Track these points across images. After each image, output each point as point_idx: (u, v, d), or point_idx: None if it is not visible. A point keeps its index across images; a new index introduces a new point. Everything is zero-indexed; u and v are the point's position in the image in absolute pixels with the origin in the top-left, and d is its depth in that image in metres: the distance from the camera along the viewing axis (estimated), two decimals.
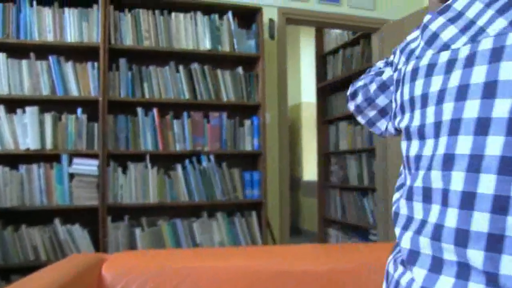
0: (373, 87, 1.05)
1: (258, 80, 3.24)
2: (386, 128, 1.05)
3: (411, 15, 3.62)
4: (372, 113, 1.08)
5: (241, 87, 3.21)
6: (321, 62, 5.31)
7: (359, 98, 1.09)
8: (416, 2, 4.02)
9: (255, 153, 3.24)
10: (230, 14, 3.19)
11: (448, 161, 0.70)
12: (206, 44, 3.12)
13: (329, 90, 5.20)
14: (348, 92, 1.14)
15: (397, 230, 0.79)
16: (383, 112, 1.05)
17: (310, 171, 6.12)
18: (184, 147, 3.06)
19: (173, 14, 3.08)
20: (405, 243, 0.74)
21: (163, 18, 3.06)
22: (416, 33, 0.89)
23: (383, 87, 1.03)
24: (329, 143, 5.17)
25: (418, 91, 0.79)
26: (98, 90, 2.86)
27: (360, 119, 1.14)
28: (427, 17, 0.84)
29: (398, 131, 0.96)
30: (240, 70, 3.24)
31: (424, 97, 0.78)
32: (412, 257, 0.72)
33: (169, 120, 3.06)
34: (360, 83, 1.10)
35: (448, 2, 0.82)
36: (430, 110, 0.76)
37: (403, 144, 0.82)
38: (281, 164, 3.56)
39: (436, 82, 0.76)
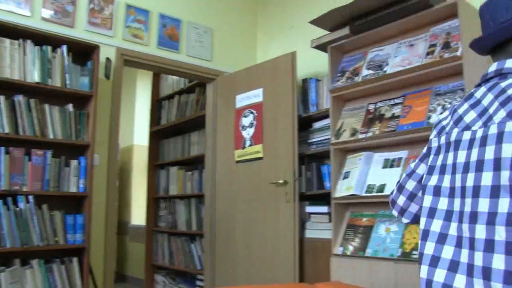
0: (411, 184, 1.28)
1: (89, 119, 3.11)
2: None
3: (244, 70, 3.88)
4: (416, 207, 1.30)
5: (70, 125, 3.04)
6: (156, 106, 5.32)
7: (401, 200, 1.31)
8: (249, 58, 4.33)
9: (80, 195, 3.05)
10: (64, 48, 3.04)
11: (474, 217, 0.95)
12: (34, 76, 2.91)
13: (162, 134, 5.21)
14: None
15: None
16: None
17: (138, 215, 5.95)
18: None
19: None
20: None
21: None
22: (446, 113, 1.20)
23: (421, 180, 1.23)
24: (159, 188, 5.12)
25: (450, 160, 1.08)
26: None
27: (404, 219, 1.34)
28: (457, 104, 1.16)
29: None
30: (70, 107, 3.07)
31: (454, 166, 1.05)
32: None
33: None
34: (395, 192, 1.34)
35: (471, 90, 1.13)
36: (458, 176, 1.03)
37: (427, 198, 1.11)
38: (108, 207, 3.41)
39: (462, 155, 1.04)
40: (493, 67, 1.11)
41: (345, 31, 3.03)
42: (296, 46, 3.59)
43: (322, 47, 3.23)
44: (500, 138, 0.94)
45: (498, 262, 0.89)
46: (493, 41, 1.14)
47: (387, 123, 2.75)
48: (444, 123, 1.16)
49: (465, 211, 0.98)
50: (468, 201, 0.97)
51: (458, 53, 2.45)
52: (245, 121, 3.71)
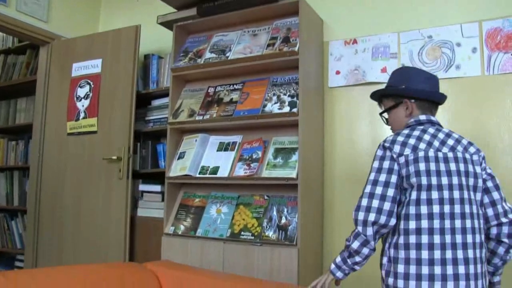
0: (391, 191, 1.60)
1: None
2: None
3: (84, 37, 3.62)
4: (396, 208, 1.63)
5: None
6: None
7: (387, 206, 1.58)
8: (90, 26, 4.06)
9: None
10: None
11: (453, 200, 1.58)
12: None
13: None
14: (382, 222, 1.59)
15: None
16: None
17: None
18: None
19: None
20: None
21: None
22: (401, 138, 1.67)
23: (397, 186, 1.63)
24: None
25: (432, 167, 1.59)
26: None
27: (393, 219, 1.59)
28: (419, 133, 1.68)
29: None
30: None
31: (438, 171, 1.59)
32: None
33: None
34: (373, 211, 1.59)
35: (423, 127, 1.71)
36: (444, 178, 1.58)
37: (424, 193, 1.58)
38: None
39: (442, 166, 1.60)
40: (423, 116, 1.75)
41: (192, 11, 3.00)
42: (141, 20, 3.45)
43: (167, 24, 3.17)
44: (465, 159, 1.63)
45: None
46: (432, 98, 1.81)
47: (225, 107, 2.82)
48: (411, 142, 1.64)
49: (449, 198, 1.57)
50: (453, 191, 1.57)
51: (296, 49, 2.61)
52: (81, 91, 3.48)
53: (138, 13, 3.85)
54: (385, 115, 1.92)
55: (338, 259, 1.68)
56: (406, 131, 1.70)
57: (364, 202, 1.60)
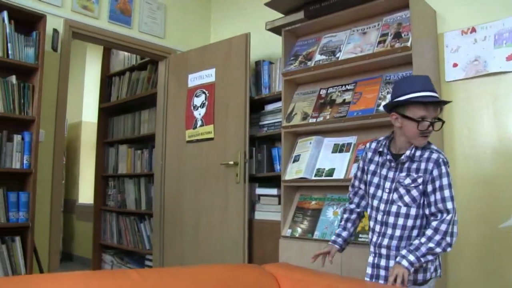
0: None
1: (34, 93, 2.97)
2: None
3: (197, 49, 3.82)
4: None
5: (12, 98, 2.89)
6: (106, 82, 5.16)
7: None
8: (202, 38, 4.27)
9: (24, 172, 2.93)
10: (5, 14, 2.86)
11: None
12: None
13: (112, 111, 5.08)
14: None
15: None
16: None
17: (86, 193, 5.81)
18: None
19: None
20: None
21: None
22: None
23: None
24: (108, 166, 5.01)
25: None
26: None
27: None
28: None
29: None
30: (13, 79, 2.92)
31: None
32: None
33: None
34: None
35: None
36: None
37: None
38: (54, 185, 3.30)
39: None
40: None
41: (300, 15, 3.03)
42: (249, 28, 3.56)
43: (276, 30, 3.23)
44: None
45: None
46: None
47: (338, 108, 2.80)
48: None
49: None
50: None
51: (408, 44, 2.51)
52: (197, 101, 3.67)
53: (247, 21, 3.97)
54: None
55: (424, 259, 1.76)
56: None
57: (456, 216, 1.77)
